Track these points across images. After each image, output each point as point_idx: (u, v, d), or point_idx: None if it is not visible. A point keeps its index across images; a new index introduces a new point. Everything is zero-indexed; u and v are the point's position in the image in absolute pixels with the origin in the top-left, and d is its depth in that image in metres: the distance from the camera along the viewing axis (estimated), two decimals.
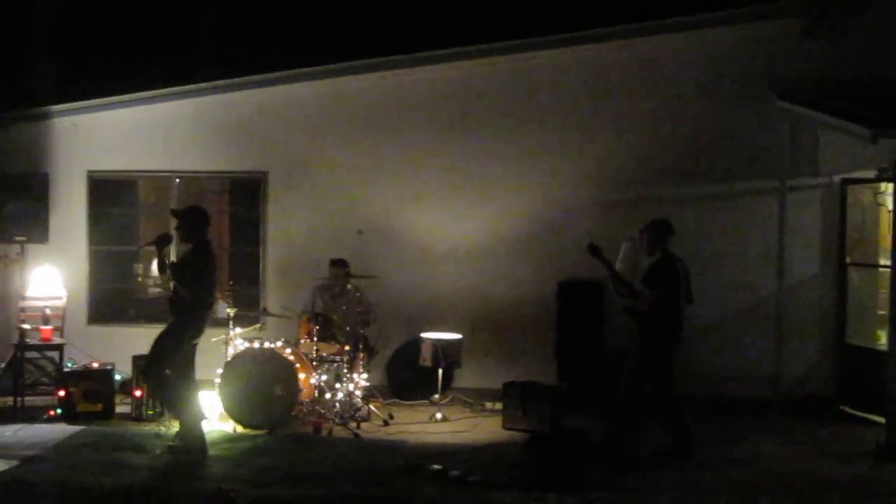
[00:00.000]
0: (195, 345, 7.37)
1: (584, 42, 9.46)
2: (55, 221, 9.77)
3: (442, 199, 9.67)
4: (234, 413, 8.05)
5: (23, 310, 9.32)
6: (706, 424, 8.01)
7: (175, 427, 7.43)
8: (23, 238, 9.47)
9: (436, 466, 6.58)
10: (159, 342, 7.20)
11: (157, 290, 10.73)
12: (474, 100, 9.69)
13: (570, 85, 9.57)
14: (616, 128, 9.47)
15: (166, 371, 7.21)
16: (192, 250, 7.31)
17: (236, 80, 9.87)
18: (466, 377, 9.41)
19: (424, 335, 8.71)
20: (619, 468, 6.80)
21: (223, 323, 8.71)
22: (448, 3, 13.34)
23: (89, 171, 10.08)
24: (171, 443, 7.28)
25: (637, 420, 7.25)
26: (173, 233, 7.64)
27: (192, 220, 7.32)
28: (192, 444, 7.11)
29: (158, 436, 7.67)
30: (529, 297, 9.16)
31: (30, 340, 9.05)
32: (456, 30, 10.41)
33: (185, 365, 7.31)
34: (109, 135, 10.10)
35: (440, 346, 8.51)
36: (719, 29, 9.33)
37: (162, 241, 7.24)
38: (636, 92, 9.45)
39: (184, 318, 7.20)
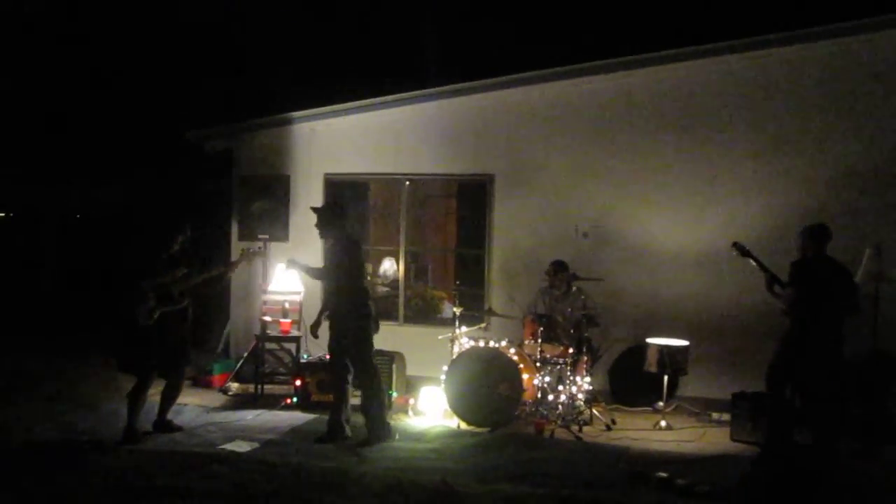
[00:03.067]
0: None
1: (821, 38, 8.92)
2: (294, 221, 10.34)
3: (668, 202, 9.42)
4: (459, 410, 8.18)
5: (265, 303, 9.91)
6: None
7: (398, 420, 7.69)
8: (266, 236, 10.07)
9: (661, 474, 6.40)
10: (362, 356, 7.51)
11: (386, 288, 11.15)
12: (705, 100, 9.38)
13: (806, 83, 9.05)
14: (856, 128, 8.86)
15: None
16: (335, 247, 7.53)
17: (463, 84, 10.03)
18: (691, 385, 9.11)
19: (650, 340, 8.52)
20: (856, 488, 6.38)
21: (449, 322, 8.92)
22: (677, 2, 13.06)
23: (326, 174, 10.59)
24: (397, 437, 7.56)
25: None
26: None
27: (326, 216, 7.57)
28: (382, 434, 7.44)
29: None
30: (759, 304, 8.61)
31: (270, 332, 9.61)
32: (686, 28, 10.12)
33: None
34: (344, 139, 10.57)
35: (666, 352, 8.29)
36: None
37: (291, 264, 7.72)
38: (877, 91, 8.83)
39: (363, 321, 7.47)
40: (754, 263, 7.33)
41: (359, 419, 7.63)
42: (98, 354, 10.35)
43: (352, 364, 7.56)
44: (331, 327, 7.59)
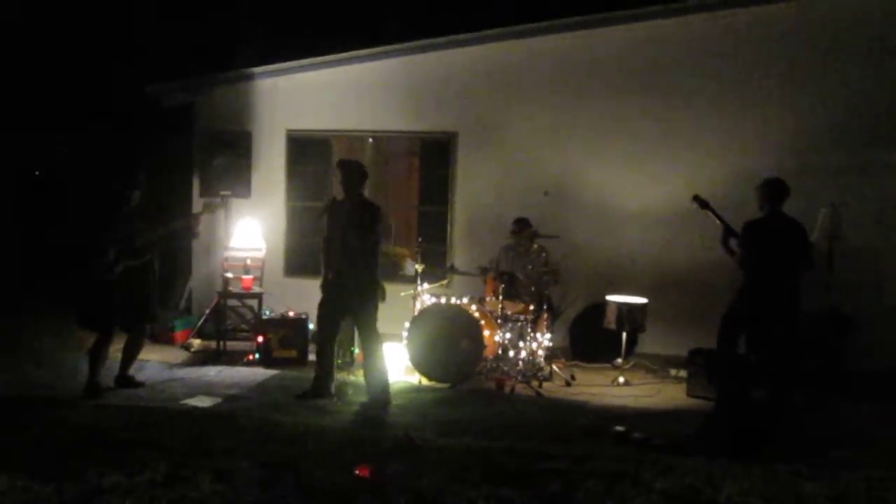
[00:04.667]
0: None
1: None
2: (256, 177, 10.30)
3: (630, 161, 9.50)
4: (420, 366, 8.25)
5: (226, 260, 9.87)
6: None
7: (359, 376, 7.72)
8: (227, 193, 9.97)
9: (618, 428, 6.50)
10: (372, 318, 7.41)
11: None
12: (665, 60, 9.43)
13: (768, 42, 9.13)
14: (818, 88, 8.98)
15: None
16: (358, 208, 7.32)
17: (426, 41, 10.00)
18: (650, 342, 9.27)
19: (609, 297, 8.62)
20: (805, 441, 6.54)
21: (411, 279, 8.95)
22: None
23: (288, 130, 10.52)
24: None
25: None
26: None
27: (353, 173, 7.36)
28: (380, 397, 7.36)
29: (346, 384, 8.00)
30: (718, 263, 8.70)
31: (232, 289, 9.58)
32: None
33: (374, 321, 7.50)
34: (307, 95, 10.50)
35: (625, 309, 8.40)
36: None
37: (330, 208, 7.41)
38: (841, 49, 8.93)
39: (373, 277, 7.36)
40: (713, 216, 7.42)
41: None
42: (56, 310, 10.25)
43: (358, 327, 7.57)
44: (334, 286, 7.43)
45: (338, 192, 7.39)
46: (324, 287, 7.51)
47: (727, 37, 9.23)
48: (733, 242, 7.29)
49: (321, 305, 7.54)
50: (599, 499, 4.57)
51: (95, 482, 4.55)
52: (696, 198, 7.53)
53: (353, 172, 7.39)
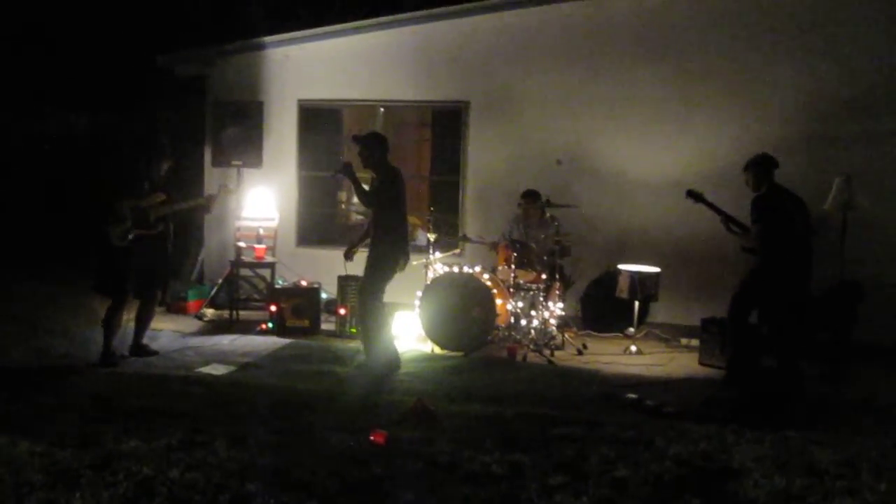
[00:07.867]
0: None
1: None
2: (268, 147, 10.26)
3: (642, 131, 9.44)
4: (432, 334, 8.28)
5: (238, 229, 9.90)
6: None
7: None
8: (239, 163, 9.99)
9: (631, 395, 6.55)
10: (369, 276, 7.31)
11: (360, 216, 11.14)
12: (678, 27, 9.36)
13: (781, 9, 9.05)
14: (833, 54, 8.87)
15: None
16: (378, 177, 7.37)
17: (438, 10, 9.96)
18: (661, 312, 9.27)
19: (622, 266, 8.62)
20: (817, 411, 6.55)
21: (423, 248, 8.97)
22: None
23: (300, 100, 10.50)
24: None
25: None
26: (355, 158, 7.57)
27: (371, 145, 7.34)
28: (382, 367, 7.30)
29: (359, 352, 8.05)
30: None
31: (244, 258, 9.61)
32: None
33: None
34: (318, 65, 10.46)
35: (637, 279, 8.40)
36: None
37: (346, 170, 7.28)
38: (856, 15, 8.82)
39: (384, 246, 7.27)
40: (709, 208, 7.43)
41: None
42: (70, 283, 10.30)
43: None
44: None
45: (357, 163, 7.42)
46: None
47: (742, 4, 9.14)
48: (734, 227, 7.28)
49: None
50: (613, 464, 4.60)
51: (113, 447, 4.62)
52: (689, 193, 7.51)
53: (369, 143, 7.40)
